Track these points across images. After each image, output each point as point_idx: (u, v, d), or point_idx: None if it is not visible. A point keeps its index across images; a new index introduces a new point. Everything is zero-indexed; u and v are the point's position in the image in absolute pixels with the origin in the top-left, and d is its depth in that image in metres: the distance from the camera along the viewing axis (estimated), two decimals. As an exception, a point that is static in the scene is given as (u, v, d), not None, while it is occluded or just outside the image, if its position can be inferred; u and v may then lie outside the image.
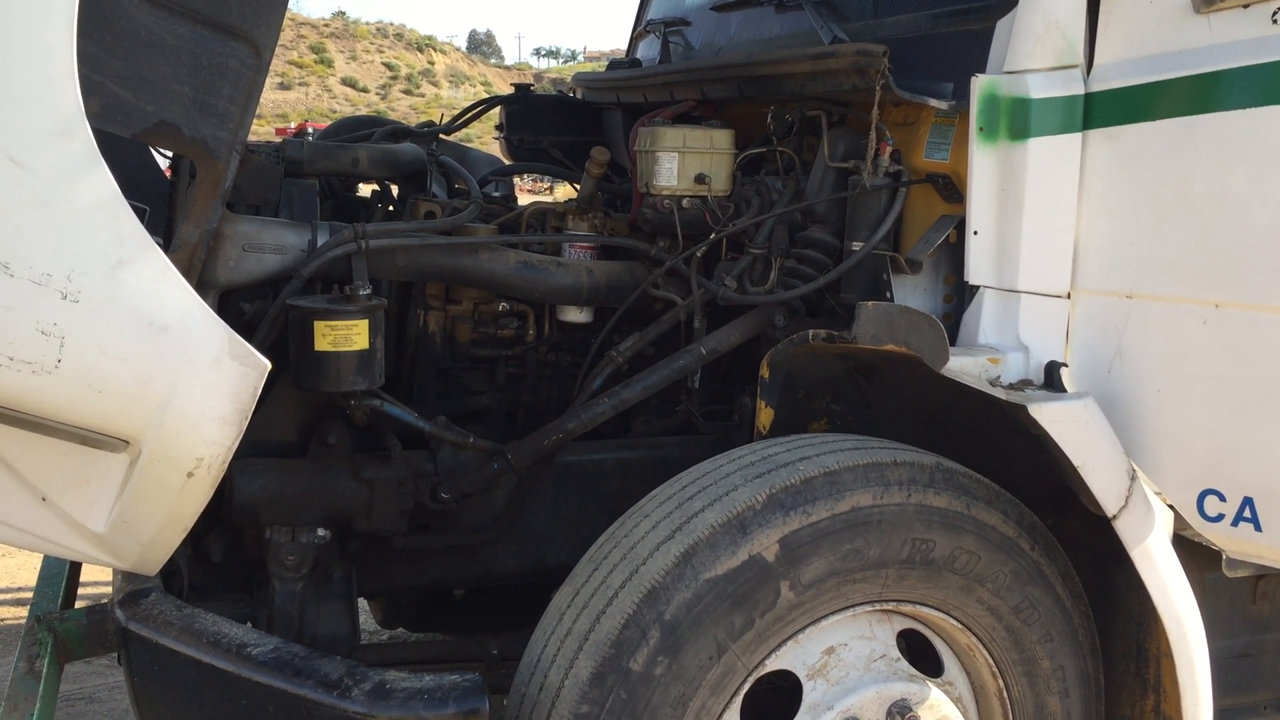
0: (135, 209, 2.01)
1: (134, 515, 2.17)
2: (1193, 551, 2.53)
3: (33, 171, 1.87)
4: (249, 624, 2.51)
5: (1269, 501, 2.29)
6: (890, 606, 2.39)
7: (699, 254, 2.98)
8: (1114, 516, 2.34)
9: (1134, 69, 2.37)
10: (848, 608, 2.32)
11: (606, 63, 4.35)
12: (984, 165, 2.46)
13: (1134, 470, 2.38)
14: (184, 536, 2.28)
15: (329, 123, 4.39)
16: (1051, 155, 2.43)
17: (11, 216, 1.87)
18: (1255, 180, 2.21)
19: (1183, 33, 2.30)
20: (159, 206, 2.78)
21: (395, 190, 3.42)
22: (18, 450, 2.07)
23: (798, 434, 2.56)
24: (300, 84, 66.43)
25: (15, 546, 2.30)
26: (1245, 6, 2.20)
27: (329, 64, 70.63)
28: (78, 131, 1.90)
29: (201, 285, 2.38)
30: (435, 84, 74.53)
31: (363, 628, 3.27)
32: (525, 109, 4.10)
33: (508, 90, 4.27)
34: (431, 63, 78.00)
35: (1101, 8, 2.42)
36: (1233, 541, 2.39)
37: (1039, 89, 2.41)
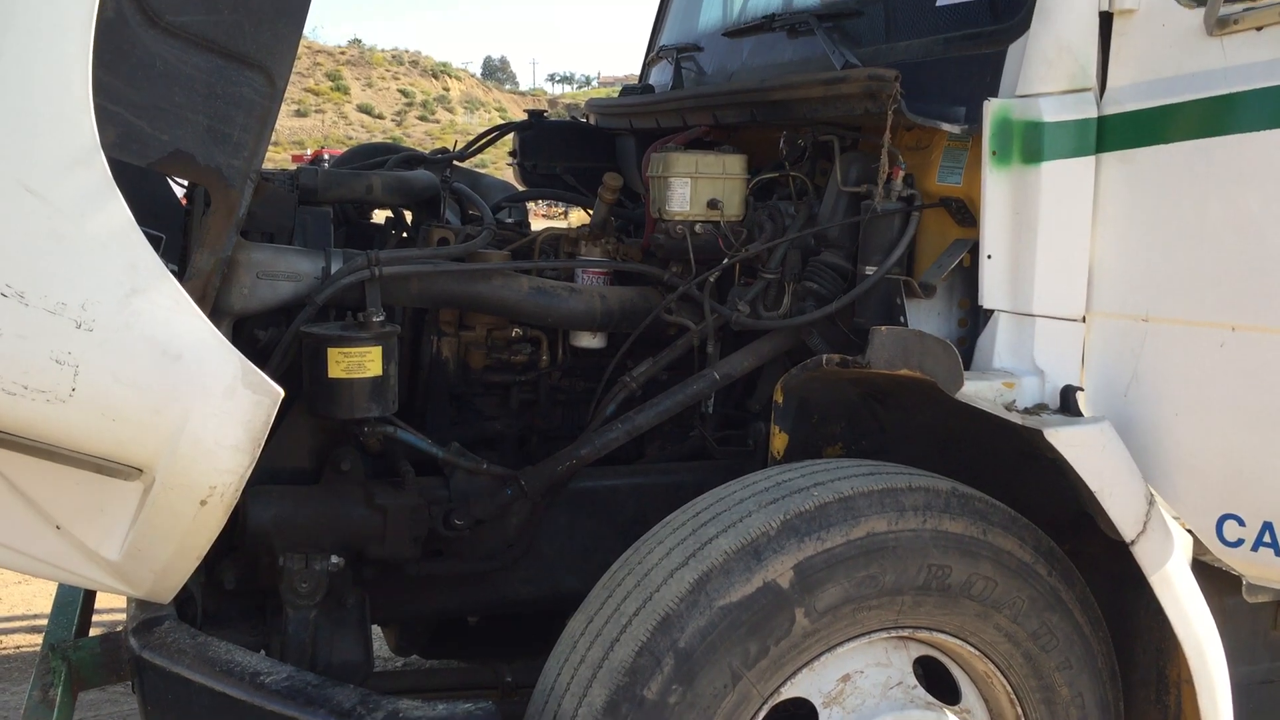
0: (150, 236, 2.02)
1: (148, 543, 2.17)
2: (1212, 576, 2.51)
3: (48, 202, 1.88)
4: (262, 652, 2.50)
5: (1290, 526, 2.27)
6: (906, 633, 2.37)
7: (712, 279, 2.97)
8: (1132, 542, 2.32)
9: (1147, 92, 2.37)
10: (863, 634, 2.30)
11: (620, 88, 4.37)
12: (997, 189, 2.45)
13: (1152, 495, 2.36)
14: (197, 564, 2.29)
15: (344, 149, 4.42)
16: (1065, 178, 2.43)
17: (27, 246, 1.88)
18: (1271, 202, 2.20)
19: (1196, 56, 2.29)
20: (175, 234, 2.80)
21: (409, 217, 3.43)
22: (32, 478, 2.08)
23: (812, 459, 2.55)
24: (317, 111, 66.94)
25: (29, 574, 2.31)
26: (1259, 29, 2.20)
27: (345, 91, 71.18)
28: (93, 162, 1.91)
29: (216, 313, 2.39)
30: (450, 110, 75.00)
31: (376, 655, 3.26)
32: (538, 135, 4.12)
33: (522, 116, 4.29)
34: (447, 89, 78.53)
35: (1114, 31, 2.42)
36: (1253, 567, 2.37)
37: (1052, 112, 2.41)
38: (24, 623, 5.17)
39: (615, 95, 4.31)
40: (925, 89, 2.60)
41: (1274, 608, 2.76)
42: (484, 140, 4.12)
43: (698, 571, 2.17)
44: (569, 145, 4.16)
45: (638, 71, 4.54)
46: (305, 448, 2.80)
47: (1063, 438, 2.28)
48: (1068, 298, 2.47)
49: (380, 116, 70.51)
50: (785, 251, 2.89)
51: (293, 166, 3.45)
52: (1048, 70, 2.42)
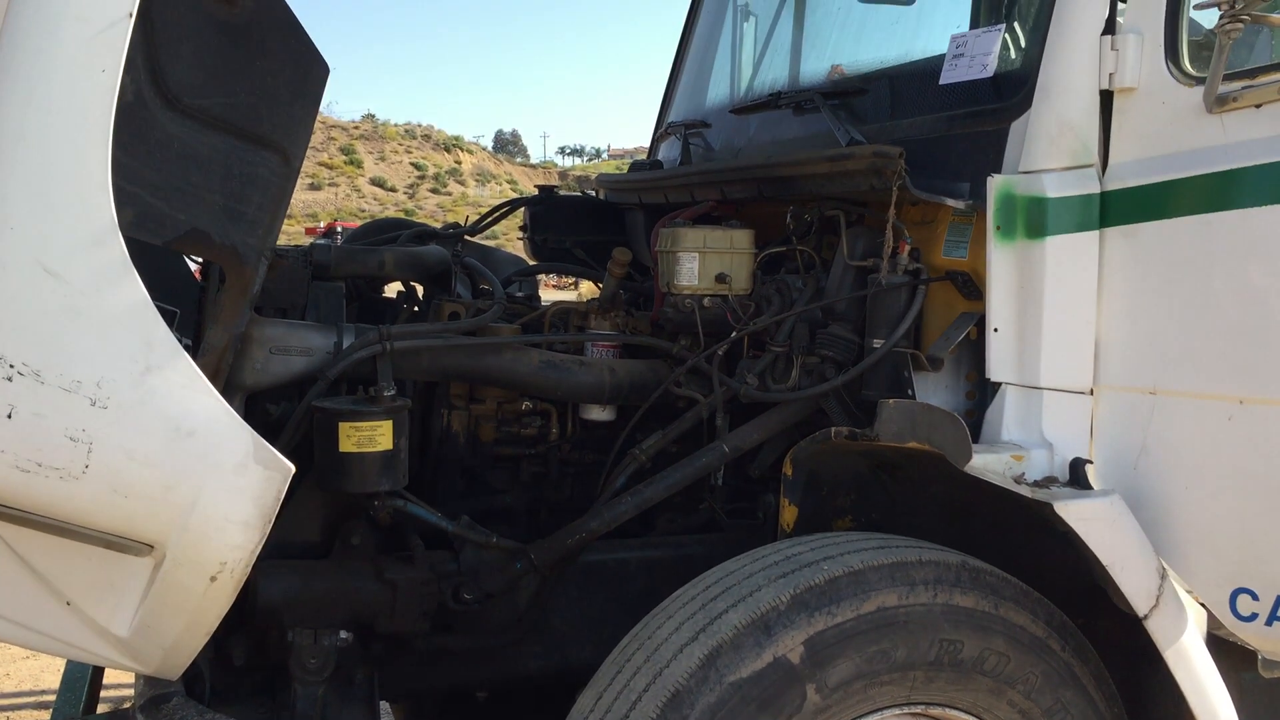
0: (164, 312, 2.05)
1: (157, 619, 2.17)
2: (1227, 651, 2.49)
3: (65, 281, 1.91)
4: (270, 729, 2.48)
5: (1304, 600, 2.26)
6: (919, 710, 2.34)
7: (720, 352, 2.99)
8: (1145, 616, 2.30)
9: (1149, 168, 2.40)
10: (875, 711, 2.27)
11: (629, 162, 4.42)
12: (1002, 263, 2.47)
13: (1164, 569, 2.35)
14: (206, 640, 2.28)
15: (358, 221, 4.48)
16: (1069, 253, 2.45)
17: (44, 325, 1.91)
18: (1275, 276, 2.21)
19: (1196, 132, 2.32)
20: (189, 309, 2.83)
21: (421, 291, 3.47)
22: (43, 555, 2.09)
23: (822, 532, 2.55)
24: (330, 184, 67.68)
25: (38, 650, 2.30)
26: (1258, 106, 2.23)
27: (358, 164, 72.02)
28: (111, 242, 1.94)
29: (228, 388, 2.41)
30: (462, 183, 75.78)
31: (385, 731, 3.23)
32: (548, 210, 4.17)
33: (533, 188, 4.34)
34: (459, 162, 79.41)
35: (1115, 109, 2.46)
36: (1268, 641, 2.34)
37: (1055, 188, 2.44)
38: (32, 699, 5.13)
39: (624, 169, 4.37)
40: (929, 165, 2.64)
41: (1291, 683, 2.73)
42: (495, 215, 4.18)
43: (708, 647, 2.16)
44: (579, 220, 4.21)
45: (646, 144, 4.61)
46: (315, 522, 2.80)
47: (1073, 511, 2.27)
48: (1075, 370, 2.48)
49: (393, 189, 71.25)
50: (793, 325, 2.91)
51: (306, 239, 3.49)
52: (1050, 147, 2.45)
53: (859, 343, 2.81)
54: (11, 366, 1.88)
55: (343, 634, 2.66)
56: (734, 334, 2.99)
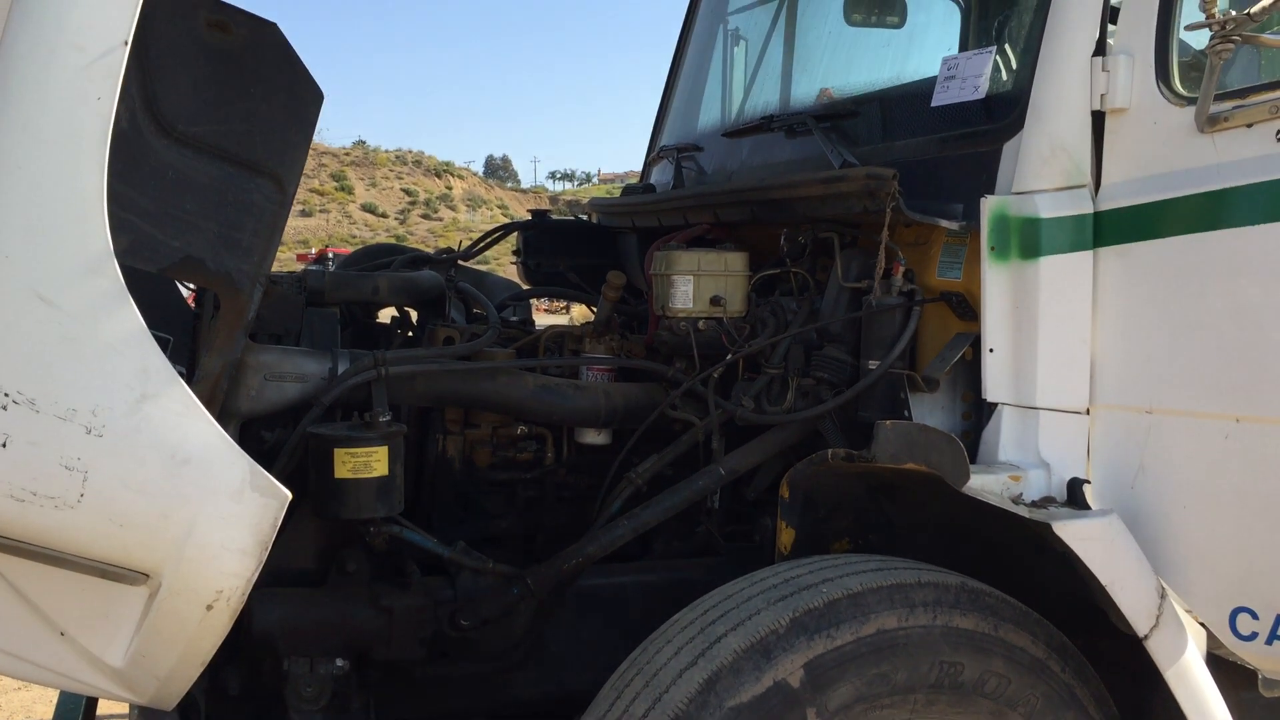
0: (159, 339, 2.04)
1: (152, 649, 2.15)
2: (1227, 670, 2.48)
3: (61, 309, 1.91)
4: (266, 759, 2.46)
5: (1303, 619, 2.25)
6: (920, 733, 2.33)
7: (716, 375, 2.99)
8: (1145, 636, 2.30)
9: (1141, 188, 2.41)
10: (876, 735, 2.26)
11: (621, 186, 4.43)
12: (997, 284, 2.48)
13: (1163, 588, 2.34)
14: (202, 669, 2.26)
15: (349, 248, 4.48)
16: (1063, 273, 2.45)
17: (39, 353, 1.90)
18: (1268, 295, 2.22)
19: (1188, 152, 2.33)
20: (182, 335, 2.83)
21: (415, 316, 3.46)
22: (37, 585, 2.07)
23: (820, 555, 2.54)
24: (321, 210, 67.75)
25: (31, 681, 2.28)
26: (1249, 126, 2.24)
27: (349, 191, 72.11)
28: (106, 270, 1.94)
29: (223, 415, 2.40)
30: (453, 208, 75.88)
31: (381, 760, 3.20)
32: (541, 234, 4.18)
33: (524, 213, 4.34)
34: (449, 188, 79.54)
35: (1107, 129, 2.47)
36: (1268, 660, 2.34)
37: (1048, 209, 2.44)
38: (23, 730, 5.09)
39: (616, 193, 4.37)
40: (923, 187, 2.65)
41: (1291, 701, 2.72)
42: (488, 240, 4.18)
43: (707, 671, 2.15)
44: (572, 243, 4.21)
45: (636, 168, 4.62)
46: (310, 549, 2.79)
47: (1071, 531, 2.27)
48: (1071, 390, 2.48)
49: (384, 215, 71.32)
50: (788, 346, 2.91)
51: (298, 265, 3.49)
52: (1043, 168, 2.46)
53: (854, 364, 2.81)
54: (6, 395, 1.87)
55: (339, 662, 2.65)
56: (729, 356, 2.98)
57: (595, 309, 3.34)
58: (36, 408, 1.89)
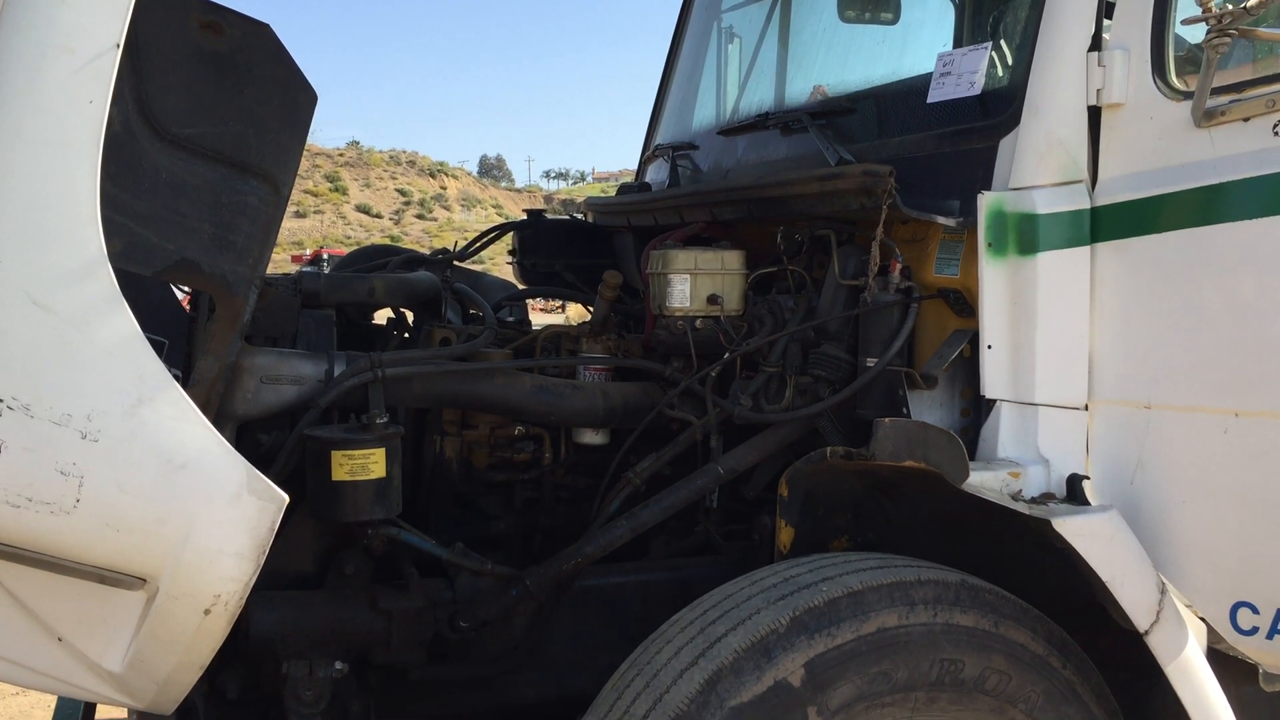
0: (154, 342, 2.03)
1: (150, 653, 2.14)
2: (1228, 665, 2.47)
3: (55, 313, 1.90)
4: (265, 763, 2.46)
5: (1304, 613, 2.25)
6: (921, 731, 2.33)
7: (713, 374, 2.98)
8: (1146, 632, 2.30)
9: (1138, 183, 2.40)
10: (878, 733, 2.26)
11: (616, 185, 4.42)
12: (994, 280, 2.47)
13: (1164, 583, 2.34)
14: (200, 673, 2.25)
15: (344, 249, 4.47)
16: (1061, 269, 2.45)
17: (33, 358, 1.89)
18: (1266, 289, 2.21)
19: (1184, 147, 2.33)
20: (177, 339, 2.82)
21: (411, 317, 3.45)
22: (34, 591, 2.06)
23: (819, 553, 2.53)
24: (316, 212, 67.69)
25: (29, 687, 2.27)
26: (1245, 120, 2.24)
27: (343, 191, 72.08)
28: (99, 274, 1.93)
29: (220, 418, 2.39)
30: (448, 208, 75.87)
31: (381, 762, 3.19)
32: (537, 234, 4.17)
33: (519, 212, 4.33)
34: (444, 188, 79.52)
35: (1103, 125, 2.47)
36: (1269, 655, 2.33)
37: (1045, 204, 2.44)
38: (21, 735, 5.08)
39: (611, 191, 4.37)
40: (919, 183, 2.64)
41: (1292, 696, 2.72)
42: (484, 240, 4.17)
43: (708, 671, 2.14)
44: (568, 243, 4.21)
45: (630, 167, 4.61)
46: (308, 551, 2.78)
47: (1070, 527, 2.27)
48: (1069, 386, 2.48)
49: (378, 216, 71.28)
50: (786, 345, 2.90)
51: (292, 267, 3.49)
52: (1039, 163, 2.46)
53: (852, 362, 2.80)
54: (0, 400, 1.86)
55: (338, 665, 2.64)
56: (727, 355, 2.98)
57: (592, 308, 3.33)
58: (31, 413, 1.88)
